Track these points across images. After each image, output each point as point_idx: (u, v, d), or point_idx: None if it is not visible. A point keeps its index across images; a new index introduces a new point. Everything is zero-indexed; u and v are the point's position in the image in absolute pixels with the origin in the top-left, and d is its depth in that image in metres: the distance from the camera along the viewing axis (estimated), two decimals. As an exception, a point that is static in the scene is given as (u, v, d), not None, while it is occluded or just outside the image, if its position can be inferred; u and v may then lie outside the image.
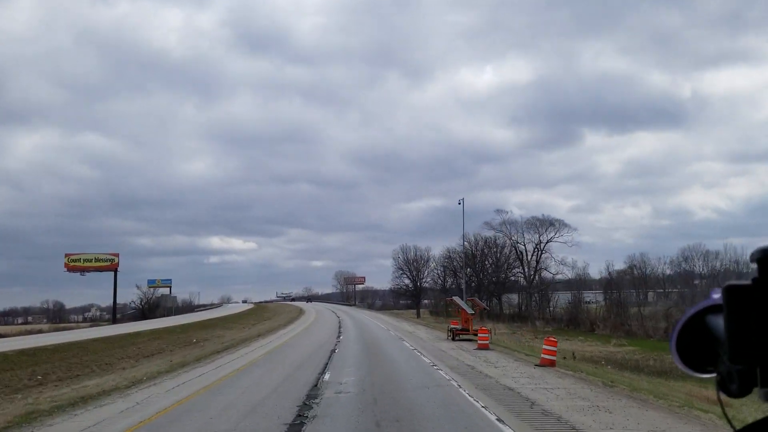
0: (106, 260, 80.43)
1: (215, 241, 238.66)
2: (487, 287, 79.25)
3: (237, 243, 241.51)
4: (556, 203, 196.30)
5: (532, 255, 73.56)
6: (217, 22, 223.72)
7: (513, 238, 74.14)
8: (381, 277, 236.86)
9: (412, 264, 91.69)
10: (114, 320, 79.57)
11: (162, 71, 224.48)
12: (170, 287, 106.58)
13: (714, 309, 1.02)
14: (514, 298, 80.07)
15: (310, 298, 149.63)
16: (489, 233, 76.66)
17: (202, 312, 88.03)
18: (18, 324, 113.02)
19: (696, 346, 1.05)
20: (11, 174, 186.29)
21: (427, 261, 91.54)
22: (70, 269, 78.89)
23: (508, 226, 74.15)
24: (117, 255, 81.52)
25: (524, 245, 73.81)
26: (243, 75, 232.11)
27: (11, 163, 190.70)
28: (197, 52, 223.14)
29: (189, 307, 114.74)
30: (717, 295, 0.98)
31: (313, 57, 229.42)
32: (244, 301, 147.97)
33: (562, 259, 72.74)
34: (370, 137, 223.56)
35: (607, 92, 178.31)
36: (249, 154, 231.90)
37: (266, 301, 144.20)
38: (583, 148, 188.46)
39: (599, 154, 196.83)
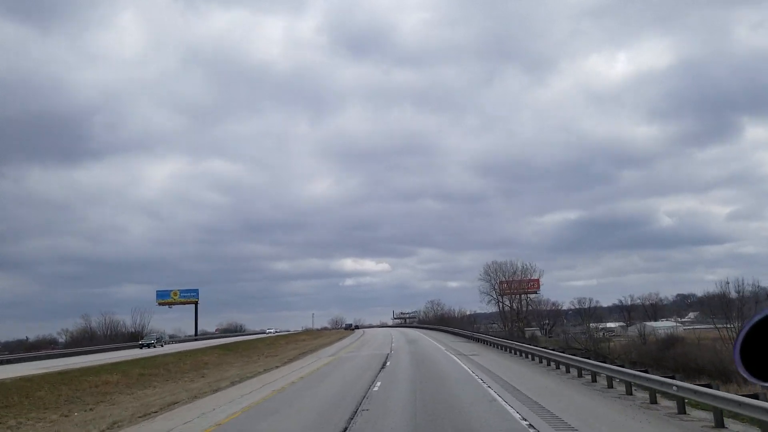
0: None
1: (348, 263, 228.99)
2: None
3: (370, 264, 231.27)
4: (712, 211, 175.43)
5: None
6: (314, 28, 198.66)
7: None
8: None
9: None
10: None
11: (269, 87, 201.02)
12: (197, 302, 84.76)
13: None
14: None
15: (353, 325, 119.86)
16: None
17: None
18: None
19: (763, 355, 0.98)
20: (149, 203, 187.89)
21: None
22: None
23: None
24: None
25: None
26: (349, 83, 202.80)
27: (146, 193, 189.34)
28: (301, 62, 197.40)
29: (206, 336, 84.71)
30: None
31: (421, 57, 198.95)
32: (271, 330, 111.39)
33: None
34: (492, 143, 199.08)
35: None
36: (368, 170, 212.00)
37: (345, 327, 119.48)
38: (743, 142, 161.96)
39: (764, 148, 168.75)
